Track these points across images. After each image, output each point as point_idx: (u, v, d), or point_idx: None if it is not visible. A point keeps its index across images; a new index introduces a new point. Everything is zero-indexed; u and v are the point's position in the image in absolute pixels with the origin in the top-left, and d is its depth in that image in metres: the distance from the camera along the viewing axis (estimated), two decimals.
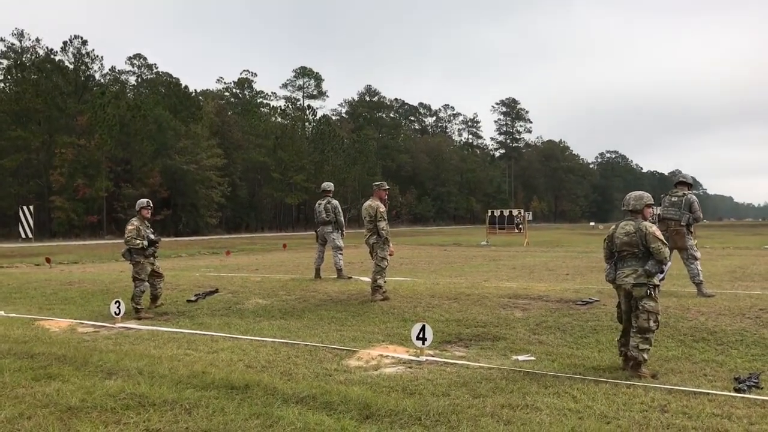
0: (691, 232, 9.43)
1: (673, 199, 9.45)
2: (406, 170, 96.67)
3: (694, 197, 9.38)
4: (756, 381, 5.28)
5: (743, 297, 8.84)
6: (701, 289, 9.10)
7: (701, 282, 9.18)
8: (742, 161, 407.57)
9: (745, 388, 5.13)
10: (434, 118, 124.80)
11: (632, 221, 5.90)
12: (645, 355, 5.69)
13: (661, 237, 5.75)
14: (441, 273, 14.19)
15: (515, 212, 32.68)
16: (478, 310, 8.43)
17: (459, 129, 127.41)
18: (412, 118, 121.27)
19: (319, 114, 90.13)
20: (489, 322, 7.85)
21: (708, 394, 5.03)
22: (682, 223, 9.28)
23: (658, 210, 9.66)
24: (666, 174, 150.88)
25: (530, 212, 53.93)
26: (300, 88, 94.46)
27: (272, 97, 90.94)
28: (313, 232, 12.34)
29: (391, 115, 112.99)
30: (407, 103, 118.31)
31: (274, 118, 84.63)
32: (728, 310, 7.79)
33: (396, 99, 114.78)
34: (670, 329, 7.06)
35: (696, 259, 9.25)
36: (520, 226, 31.43)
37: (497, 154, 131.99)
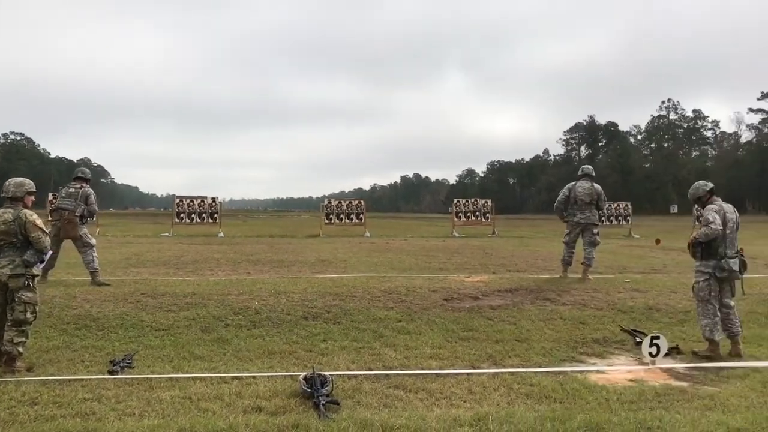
0: (85, 222, 9.60)
1: (70, 190, 9.64)
2: None
3: (90, 190, 9.69)
4: (129, 361, 5.66)
5: (129, 283, 9.41)
6: (95, 278, 9.30)
7: (96, 270, 9.39)
8: (148, 154, 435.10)
9: (118, 369, 5.44)
10: None
11: (11, 209, 5.59)
12: (20, 348, 5.47)
13: (42, 226, 5.62)
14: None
15: None
16: None
17: None
18: None
19: None
20: None
21: (82, 380, 5.14)
22: (76, 214, 9.38)
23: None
24: (75, 161, 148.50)
25: None
26: None
27: None
28: None
29: None
30: None
31: None
32: (113, 296, 8.17)
33: None
34: (53, 319, 6.99)
35: (91, 246, 9.47)
36: None
37: None
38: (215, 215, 25.10)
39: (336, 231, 24.95)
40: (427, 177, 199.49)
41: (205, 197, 25.21)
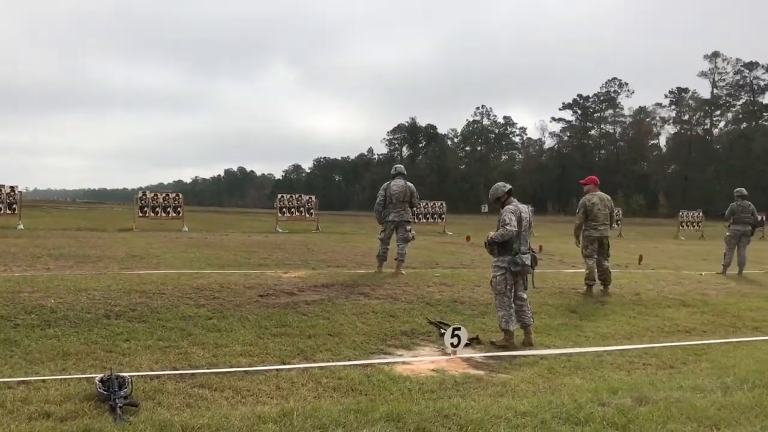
0: None
1: None
2: None
3: None
4: None
5: None
6: None
7: None
8: None
9: None
10: None
11: None
12: None
13: None
14: None
15: None
16: None
17: None
18: None
19: None
20: None
21: None
22: None
23: None
24: None
25: None
26: None
27: None
28: None
29: None
30: None
31: None
32: None
33: None
34: None
35: None
36: None
37: None
38: (14, 206, 22.80)
39: (151, 225, 23.73)
40: (252, 171, 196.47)
41: (2, 186, 22.82)
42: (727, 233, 13.83)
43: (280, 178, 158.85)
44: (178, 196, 25.42)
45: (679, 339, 7.68)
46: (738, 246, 13.58)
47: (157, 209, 24.24)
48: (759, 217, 15.02)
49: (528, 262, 6.92)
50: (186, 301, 7.81)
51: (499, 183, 7.33)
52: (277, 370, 5.45)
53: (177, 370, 5.34)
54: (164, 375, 5.13)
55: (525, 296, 7.07)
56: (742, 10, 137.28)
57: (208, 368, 5.42)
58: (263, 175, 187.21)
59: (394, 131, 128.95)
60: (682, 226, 34.69)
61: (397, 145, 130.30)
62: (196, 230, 23.23)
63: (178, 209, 24.65)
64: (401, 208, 10.88)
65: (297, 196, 27.77)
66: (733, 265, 13.60)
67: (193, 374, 5.20)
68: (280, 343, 6.38)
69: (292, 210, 26.77)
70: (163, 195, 25.24)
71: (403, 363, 5.95)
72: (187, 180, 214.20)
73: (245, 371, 5.38)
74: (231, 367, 5.51)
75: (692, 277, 12.79)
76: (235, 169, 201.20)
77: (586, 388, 5.19)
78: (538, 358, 6.37)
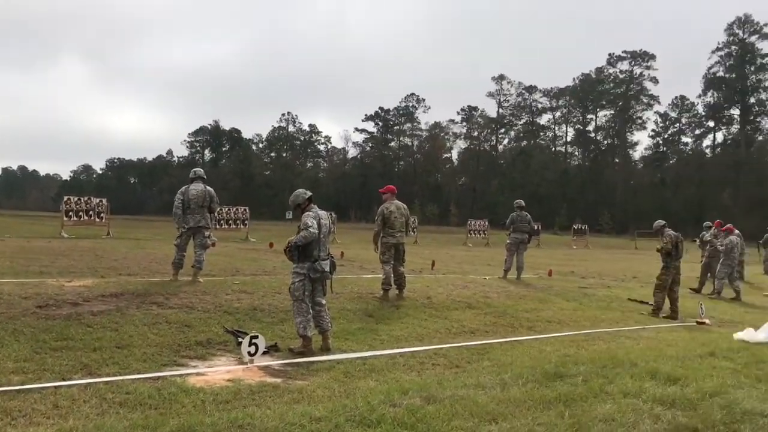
0: None
1: None
2: None
3: None
4: None
5: None
6: None
7: None
8: None
9: None
10: None
11: None
12: None
13: None
14: None
15: None
16: None
17: None
18: None
19: None
20: None
21: None
22: None
23: None
24: None
25: None
26: None
27: None
28: None
29: None
30: None
31: None
32: None
33: None
34: None
35: None
36: None
37: None
38: None
39: None
40: (35, 170, 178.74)
41: None
42: (508, 240, 15.13)
43: (68, 179, 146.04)
44: None
45: (465, 339, 8.27)
46: (517, 252, 14.91)
47: None
48: (535, 227, 16.60)
49: (327, 269, 7.05)
50: None
51: (299, 190, 7.40)
52: (55, 387, 5.02)
53: None
54: None
55: (323, 302, 7.18)
56: (525, 38, 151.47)
57: None
58: (48, 175, 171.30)
59: (195, 133, 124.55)
60: (471, 234, 37.45)
61: (198, 148, 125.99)
62: None
63: None
64: (199, 213, 10.54)
65: (86, 198, 25.81)
66: (513, 269, 14.91)
67: None
68: (60, 358, 5.88)
69: (80, 213, 24.81)
70: None
71: (197, 374, 5.76)
72: None
73: (17, 390, 4.89)
74: (1, 386, 4.97)
75: (477, 281, 13.82)
76: (15, 167, 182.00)
77: (379, 390, 5.38)
78: (335, 363, 6.50)
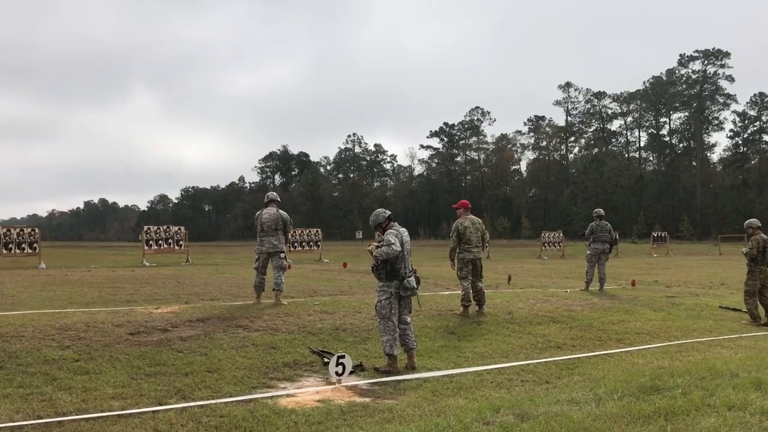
0: None
1: None
2: None
3: None
4: None
5: None
6: None
7: None
8: None
9: None
10: None
11: None
12: None
13: None
14: None
15: None
16: None
17: None
18: None
19: None
20: None
21: None
22: None
23: None
24: None
25: None
26: None
27: None
28: None
29: None
30: None
31: None
32: None
33: None
34: None
35: None
36: None
37: None
38: None
39: (4, 263, 21.91)
40: (114, 203, 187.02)
41: None
42: (588, 251, 14.74)
43: (145, 209, 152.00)
44: (34, 230, 23.67)
45: (552, 354, 8.06)
46: (598, 263, 14.51)
47: (11, 246, 22.42)
48: (614, 236, 16.15)
49: (415, 285, 7.03)
50: (48, 343, 7.22)
51: (379, 209, 7.42)
52: (153, 411, 5.15)
53: (41, 418, 4.91)
54: (27, 425, 4.70)
55: (409, 320, 7.15)
56: (590, 44, 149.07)
57: (76, 414, 5.02)
58: (127, 206, 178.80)
59: (265, 159, 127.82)
60: (545, 246, 36.69)
61: (269, 173, 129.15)
62: (54, 266, 21.68)
63: (34, 245, 22.93)
64: (273, 236, 10.72)
65: (165, 227, 26.70)
66: (595, 281, 14.51)
67: (60, 422, 4.80)
68: (154, 383, 6.04)
69: (160, 242, 25.68)
70: (17, 230, 23.40)
71: (288, 395, 5.81)
72: (43, 214, 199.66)
73: (119, 415, 5.04)
74: (102, 411, 5.14)
75: (559, 294, 13.50)
76: (96, 201, 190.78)
77: (469, 408, 5.29)
78: (422, 381, 6.44)
